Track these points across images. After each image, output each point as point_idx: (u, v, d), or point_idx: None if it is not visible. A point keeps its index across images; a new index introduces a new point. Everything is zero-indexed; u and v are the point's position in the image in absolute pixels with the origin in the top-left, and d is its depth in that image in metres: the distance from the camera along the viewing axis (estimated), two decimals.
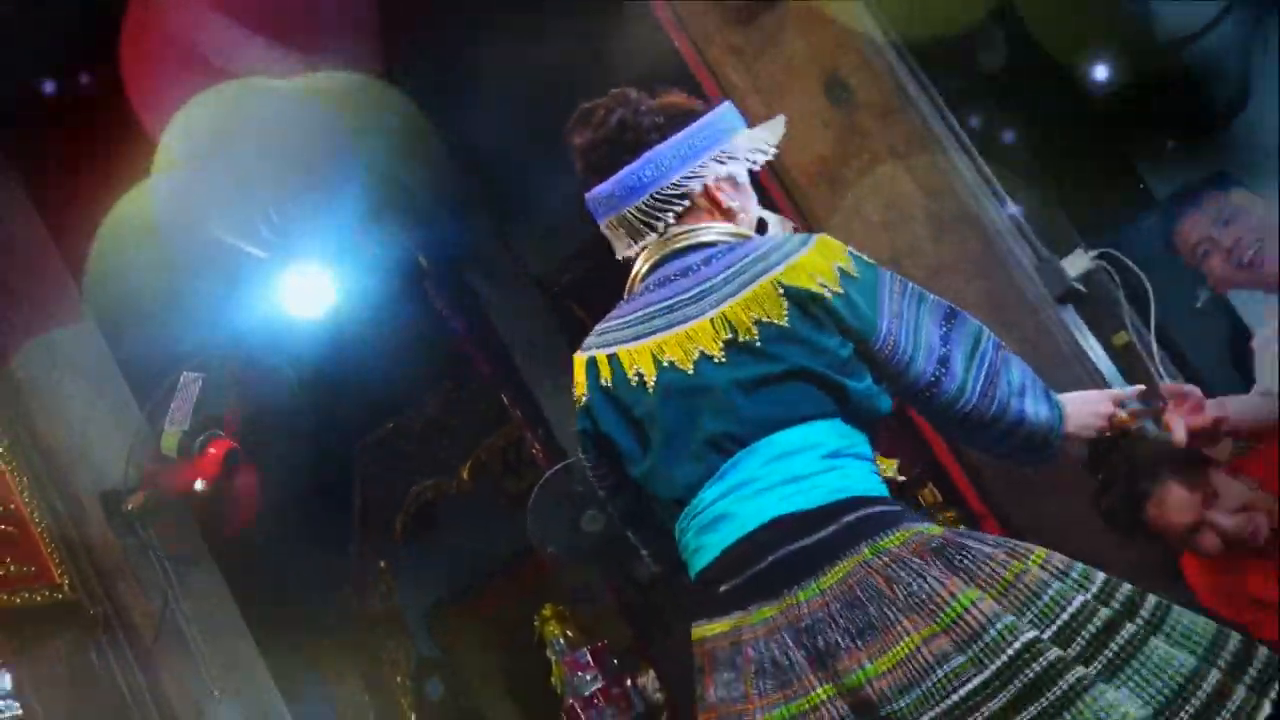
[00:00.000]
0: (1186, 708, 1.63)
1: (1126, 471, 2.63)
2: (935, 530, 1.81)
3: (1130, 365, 3.36)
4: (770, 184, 3.21)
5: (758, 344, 1.90)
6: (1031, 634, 1.66)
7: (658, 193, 2.07)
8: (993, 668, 1.65)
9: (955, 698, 1.65)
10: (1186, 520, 2.57)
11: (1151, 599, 1.75)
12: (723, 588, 1.89)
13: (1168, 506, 2.60)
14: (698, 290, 2.00)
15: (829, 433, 1.90)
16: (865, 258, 1.99)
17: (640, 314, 2.07)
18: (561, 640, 7.12)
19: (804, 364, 1.89)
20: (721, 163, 2.11)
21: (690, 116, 2.11)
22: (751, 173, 2.19)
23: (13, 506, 3.68)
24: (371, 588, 7.59)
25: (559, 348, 6.46)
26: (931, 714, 1.65)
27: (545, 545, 5.12)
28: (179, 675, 3.71)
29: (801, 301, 1.90)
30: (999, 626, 1.66)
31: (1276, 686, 1.66)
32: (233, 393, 4.02)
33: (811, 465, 1.87)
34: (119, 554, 3.75)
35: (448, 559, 7.92)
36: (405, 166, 5.39)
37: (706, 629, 1.92)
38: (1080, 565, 1.79)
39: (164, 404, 3.76)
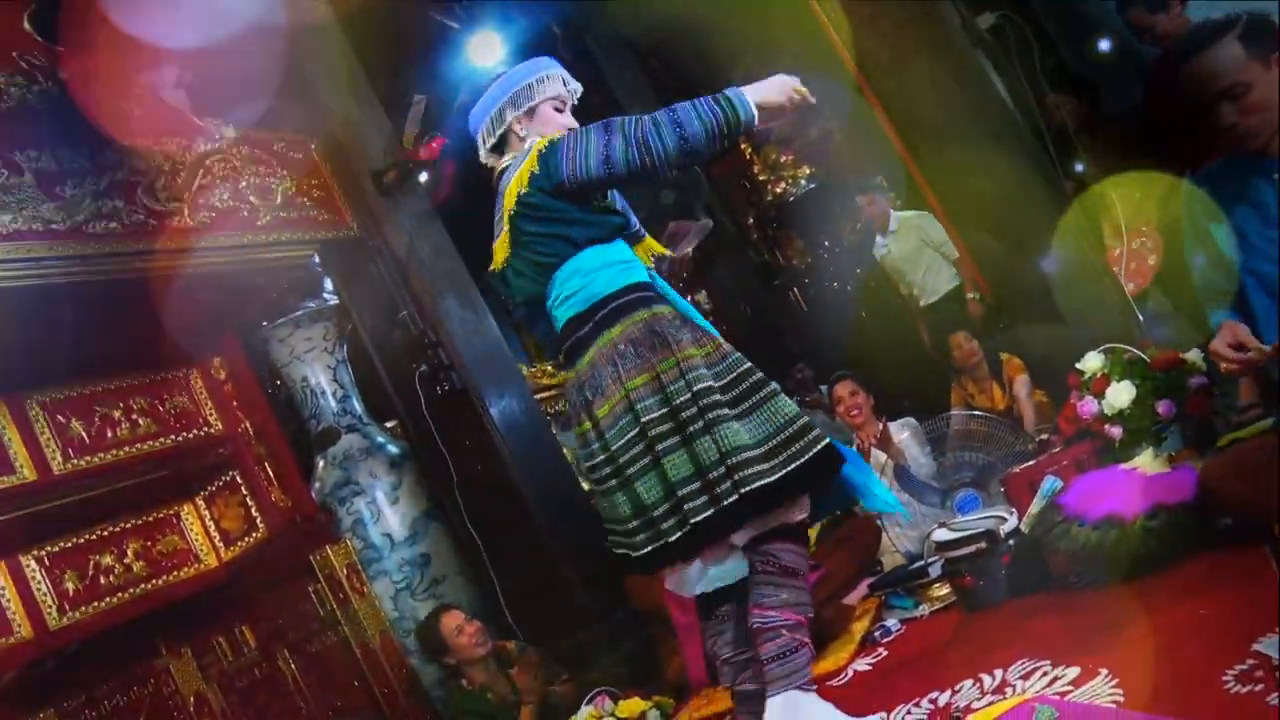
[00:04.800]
0: (769, 442, 1.80)
1: None
2: (643, 317, 1.92)
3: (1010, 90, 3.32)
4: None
5: (520, 232, 2.00)
6: (704, 384, 1.83)
7: (480, 137, 2.15)
8: (668, 407, 1.84)
9: (640, 426, 1.86)
10: None
11: (759, 378, 1.88)
12: (560, 355, 2.08)
13: None
14: (500, 205, 2.08)
15: (580, 261, 1.98)
16: (554, 137, 2.00)
17: (495, 224, 2.16)
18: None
19: (544, 230, 1.98)
20: (518, 106, 2.10)
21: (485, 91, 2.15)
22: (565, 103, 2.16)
23: (322, 179, 3.72)
24: None
25: (645, 87, 6.46)
26: (631, 434, 1.87)
27: None
28: (418, 277, 3.80)
29: (524, 191, 1.97)
30: (667, 382, 1.85)
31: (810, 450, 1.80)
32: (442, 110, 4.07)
33: (575, 284, 1.98)
34: (384, 207, 3.78)
35: None
36: None
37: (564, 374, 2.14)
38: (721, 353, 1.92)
39: (405, 116, 3.77)
